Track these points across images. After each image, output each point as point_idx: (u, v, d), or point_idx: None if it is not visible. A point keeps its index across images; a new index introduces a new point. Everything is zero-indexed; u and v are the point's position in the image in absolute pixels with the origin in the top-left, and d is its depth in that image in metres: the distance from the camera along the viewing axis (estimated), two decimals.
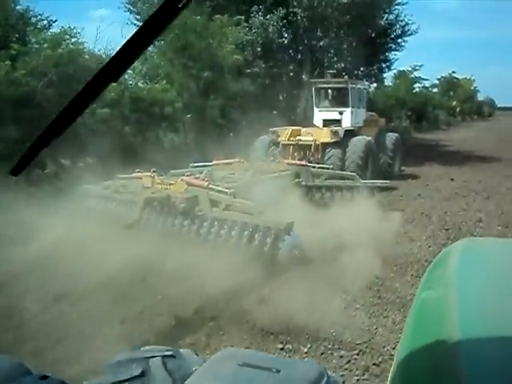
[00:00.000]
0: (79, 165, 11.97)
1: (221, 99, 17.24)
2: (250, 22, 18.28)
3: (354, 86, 14.68)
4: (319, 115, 14.79)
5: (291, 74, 20.79)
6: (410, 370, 1.09)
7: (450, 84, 51.67)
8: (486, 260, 1.58)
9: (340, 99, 14.56)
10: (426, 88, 39.92)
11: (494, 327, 1.07)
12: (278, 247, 6.41)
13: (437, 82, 47.63)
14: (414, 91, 35.24)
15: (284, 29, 19.68)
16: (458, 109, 54.38)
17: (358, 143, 12.87)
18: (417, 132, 32.63)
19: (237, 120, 17.32)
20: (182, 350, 1.40)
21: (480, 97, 69.70)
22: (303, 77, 20.62)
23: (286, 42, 19.90)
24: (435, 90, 47.09)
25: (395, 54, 25.50)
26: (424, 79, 37.67)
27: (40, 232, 6.73)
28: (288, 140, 12.99)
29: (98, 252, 6.00)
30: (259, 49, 18.29)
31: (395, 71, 35.31)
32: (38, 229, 6.83)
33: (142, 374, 1.30)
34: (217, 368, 1.25)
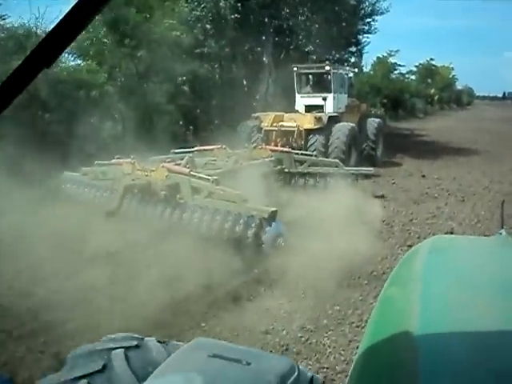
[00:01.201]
0: None
1: (168, 83, 14.91)
2: None
3: (336, 71, 14.72)
4: (301, 101, 14.77)
5: (249, 56, 18.44)
6: (369, 364, 1.12)
7: (427, 71, 50.58)
8: (453, 258, 1.61)
9: (322, 85, 14.62)
10: (403, 75, 38.37)
11: (454, 324, 1.10)
12: (261, 236, 6.40)
13: (414, 69, 45.55)
14: (389, 78, 33.10)
15: (239, 4, 17.17)
16: (436, 97, 53.77)
17: (341, 129, 12.92)
18: (392, 120, 31.09)
19: (188, 107, 15.11)
20: (146, 339, 1.40)
21: (459, 85, 69.82)
22: (264, 59, 18.35)
23: (241, 19, 17.34)
24: (413, 77, 45.37)
25: (367, 37, 24.88)
26: (400, 65, 36.07)
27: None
28: (271, 126, 12.98)
29: (73, 240, 6.07)
30: (209, 26, 15.89)
31: (375, 58, 34.02)
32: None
33: (104, 369, 1.31)
34: (187, 359, 1.28)
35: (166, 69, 14.74)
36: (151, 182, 7.48)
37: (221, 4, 16.67)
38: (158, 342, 1.46)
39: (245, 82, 19.55)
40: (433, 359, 0.97)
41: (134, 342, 1.38)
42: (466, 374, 0.95)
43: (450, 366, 0.97)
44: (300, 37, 20.89)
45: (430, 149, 19.22)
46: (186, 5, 15.06)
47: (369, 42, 24.77)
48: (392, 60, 35.87)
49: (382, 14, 23.47)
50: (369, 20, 23.43)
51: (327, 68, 14.63)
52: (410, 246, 7.14)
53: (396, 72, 37.48)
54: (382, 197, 10.51)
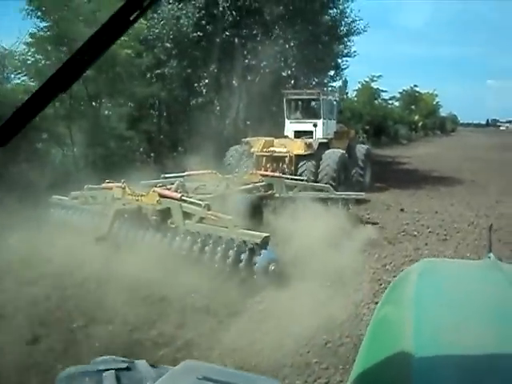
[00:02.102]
0: None
1: (126, 106, 13.52)
2: (159, 11, 14.54)
3: (325, 97, 15.02)
4: (291, 126, 14.87)
5: (220, 78, 17.10)
6: None
7: (411, 98, 50.22)
8: (443, 281, 1.64)
9: (312, 111, 14.95)
10: (385, 100, 37.40)
11: (447, 347, 1.12)
12: (254, 262, 6.34)
13: (398, 95, 45.12)
14: (372, 104, 32.23)
15: (204, 22, 15.89)
16: (420, 123, 53.14)
17: (332, 156, 13.08)
18: (374, 147, 29.78)
19: (151, 132, 13.76)
20: (136, 362, 1.40)
21: (443, 112, 69.07)
22: (234, 82, 16.99)
23: (206, 38, 16.03)
24: (396, 103, 44.83)
25: (346, 60, 24.22)
26: (383, 91, 35.17)
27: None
28: (261, 151, 13.12)
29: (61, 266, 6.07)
30: (169, 45, 14.56)
31: (359, 85, 33.64)
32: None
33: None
34: (176, 382, 1.27)
35: (120, 90, 13.31)
36: (142, 206, 7.49)
37: (181, 21, 15.33)
38: (149, 365, 1.44)
39: (218, 108, 18.14)
40: (427, 381, 1.00)
41: (125, 365, 1.36)
42: None
43: None
44: (274, 60, 19.57)
45: (411, 178, 18.24)
46: (144, 22, 13.67)
47: (348, 66, 23.79)
48: (374, 85, 35.06)
49: (358, 34, 22.71)
50: (346, 40, 22.62)
51: (317, 94, 14.92)
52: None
53: (379, 98, 36.54)
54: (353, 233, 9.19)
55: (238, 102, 17.32)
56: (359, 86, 35.48)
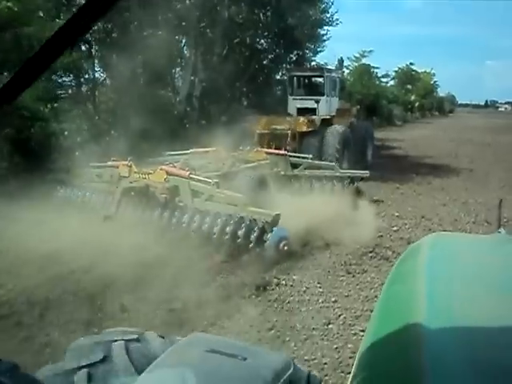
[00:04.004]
0: None
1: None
2: None
3: (328, 74, 15.13)
4: (293, 103, 14.88)
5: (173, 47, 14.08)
6: (374, 359, 1.14)
7: (407, 76, 46.96)
8: (453, 254, 1.64)
9: (315, 88, 14.98)
10: (378, 78, 34.10)
11: (460, 320, 1.12)
12: (265, 240, 6.41)
13: (392, 73, 41.98)
14: (362, 82, 29.08)
15: None
16: (416, 104, 50.36)
17: (334, 132, 13.30)
18: None
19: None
20: (146, 333, 1.42)
21: (441, 92, 66.17)
22: (186, 53, 14.03)
23: None
24: (391, 82, 41.75)
25: (328, 30, 21.35)
26: (375, 67, 31.94)
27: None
28: (264, 129, 13.09)
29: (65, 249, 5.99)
30: None
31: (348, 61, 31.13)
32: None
33: (104, 360, 1.33)
34: (183, 353, 1.28)
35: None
36: (149, 184, 7.51)
37: None
38: (158, 336, 1.46)
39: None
40: (439, 354, 0.98)
41: (135, 336, 1.39)
42: (472, 369, 0.97)
43: (457, 360, 0.98)
44: (243, 28, 16.67)
45: (399, 166, 16.10)
46: None
47: (330, 37, 21.38)
48: (365, 61, 31.95)
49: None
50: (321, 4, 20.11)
51: (320, 71, 15.25)
52: None
53: (372, 76, 33.33)
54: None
55: (190, 76, 14.25)
56: (348, 62, 32.26)
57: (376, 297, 5.64)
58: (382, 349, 1.11)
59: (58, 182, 8.78)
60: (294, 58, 22.18)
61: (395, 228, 8.51)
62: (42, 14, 11.52)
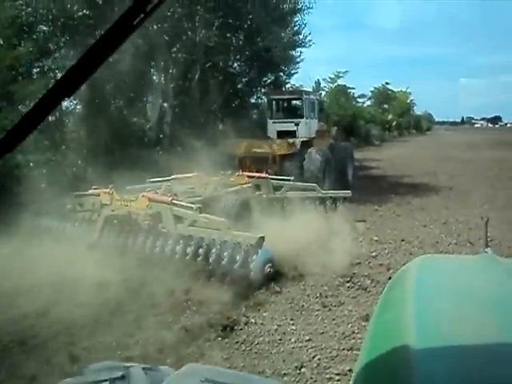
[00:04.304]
0: None
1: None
2: None
3: (307, 96, 15.42)
4: (273, 127, 15.03)
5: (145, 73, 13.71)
6: (366, 382, 1.16)
7: (384, 96, 47.24)
8: (441, 276, 1.67)
9: (294, 110, 15.20)
10: (355, 98, 34.16)
11: (448, 341, 1.13)
12: (250, 264, 6.39)
13: (368, 93, 42.31)
14: (338, 103, 29.03)
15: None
16: (393, 123, 50.71)
17: (315, 154, 13.40)
18: None
19: None
20: (131, 368, 1.39)
21: (418, 111, 66.78)
22: (155, 78, 13.65)
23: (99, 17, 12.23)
24: (368, 102, 41.94)
25: (301, 52, 20.78)
26: (350, 88, 31.99)
27: None
28: (245, 153, 13.18)
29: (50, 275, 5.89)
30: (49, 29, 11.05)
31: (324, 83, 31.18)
32: None
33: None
34: None
35: None
36: (131, 212, 7.50)
37: None
38: (143, 368, 1.41)
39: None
40: (429, 376, 1.01)
41: (120, 373, 1.33)
42: None
43: (447, 381, 1.01)
44: (215, 52, 16.36)
45: (377, 187, 15.61)
46: None
47: (303, 59, 20.99)
48: (340, 82, 32.00)
49: (303, 10, 19.74)
50: (292, 22, 19.75)
51: (299, 93, 15.42)
52: None
53: (348, 97, 33.39)
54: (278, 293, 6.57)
55: (159, 101, 13.81)
56: (324, 84, 32.26)
57: (353, 332, 5.25)
58: (374, 373, 1.14)
59: (30, 212, 8.44)
60: (269, 81, 22.06)
61: (374, 253, 8.10)
62: (1, 42, 11.13)
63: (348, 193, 11.13)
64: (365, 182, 16.49)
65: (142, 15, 0.82)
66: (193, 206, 7.13)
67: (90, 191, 8.26)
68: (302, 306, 6.01)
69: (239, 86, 19.95)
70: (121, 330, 5.24)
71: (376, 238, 9.07)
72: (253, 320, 5.59)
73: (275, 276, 6.75)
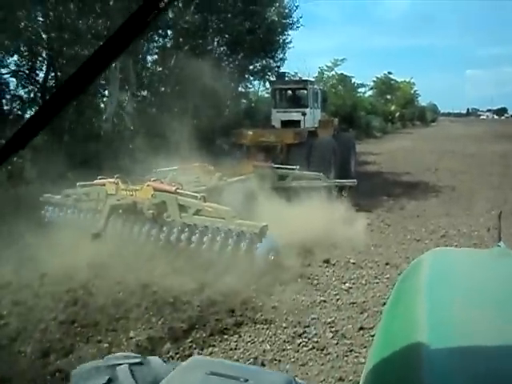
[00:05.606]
0: None
1: None
2: None
3: (311, 86, 15.15)
4: (277, 116, 14.81)
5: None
6: (377, 379, 1.14)
7: (386, 86, 45.22)
8: (455, 270, 1.62)
9: (299, 100, 15.03)
10: (355, 88, 32.17)
11: (460, 337, 1.10)
12: (254, 252, 6.42)
13: (369, 83, 40.45)
14: (336, 92, 27.19)
15: None
16: (397, 114, 48.57)
17: (323, 143, 13.31)
18: None
19: None
20: (149, 358, 1.41)
21: (422, 102, 65.00)
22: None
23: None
24: (369, 92, 40.10)
25: (288, 34, 20.03)
26: (349, 76, 30.08)
27: None
28: (252, 142, 12.99)
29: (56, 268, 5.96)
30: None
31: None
32: None
33: (109, 382, 1.33)
34: (184, 377, 1.28)
35: None
36: (137, 201, 7.56)
37: None
38: (161, 360, 1.44)
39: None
40: (440, 373, 0.98)
41: (138, 359, 1.36)
42: None
43: (458, 379, 0.97)
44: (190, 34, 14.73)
45: (370, 187, 14.10)
46: None
47: (290, 41, 20.18)
48: (338, 70, 30.16)
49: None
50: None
51: (304, 83, 15.36)
52: None
53: (346, 85, 31.49)
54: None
55: (116, 89, 11.96)
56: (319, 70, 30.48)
57: None
58: (385, 369, 1.12)
59: None
60: (259, 67, 20.33)
61: (347, 285, 6.18)
62: None
63: (354, 181, 11.11)
64: (357, 181, 14.54)
65: (156, 12, 0.80)
66: (197, 195, 7.20)
67: (96, 181, 8.27)
68: None
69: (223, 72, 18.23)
70: None
71: (353, 260, 7.17)
72: None
73: None
